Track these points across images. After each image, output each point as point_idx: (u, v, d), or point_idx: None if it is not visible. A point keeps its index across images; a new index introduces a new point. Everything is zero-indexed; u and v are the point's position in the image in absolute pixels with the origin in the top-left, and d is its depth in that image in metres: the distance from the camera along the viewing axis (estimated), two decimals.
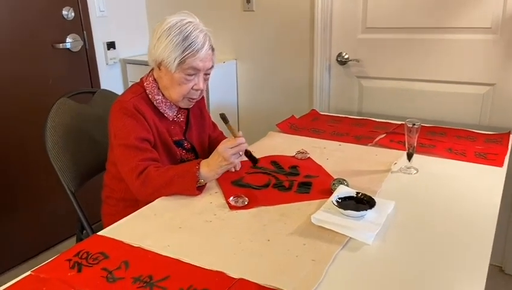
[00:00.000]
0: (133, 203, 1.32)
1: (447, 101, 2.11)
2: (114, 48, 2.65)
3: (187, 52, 1.28)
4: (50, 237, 2.43)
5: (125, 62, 2.72)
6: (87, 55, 2.48)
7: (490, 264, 0.94)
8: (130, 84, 2.74)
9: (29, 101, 2.22)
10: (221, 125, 1.68)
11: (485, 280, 0.88)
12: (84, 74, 2.49)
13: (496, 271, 2.14)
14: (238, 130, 1.33)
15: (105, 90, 1.78)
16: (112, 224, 1.12)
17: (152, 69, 1.40)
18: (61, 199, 2.22)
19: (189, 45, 1.28)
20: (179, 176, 1.23)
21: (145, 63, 2.63)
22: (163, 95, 1.38)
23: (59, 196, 2.27)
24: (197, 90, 1.36)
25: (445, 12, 2.00)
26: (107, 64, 2.64)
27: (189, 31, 1.29)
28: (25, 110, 2.21)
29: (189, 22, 1.31)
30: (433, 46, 2.07)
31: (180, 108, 1.44)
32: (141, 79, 1.42)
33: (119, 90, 2.73)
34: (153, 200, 1.24)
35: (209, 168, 1.25)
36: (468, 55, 2.00)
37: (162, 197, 1.24)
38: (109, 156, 1.44)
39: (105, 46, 2.60)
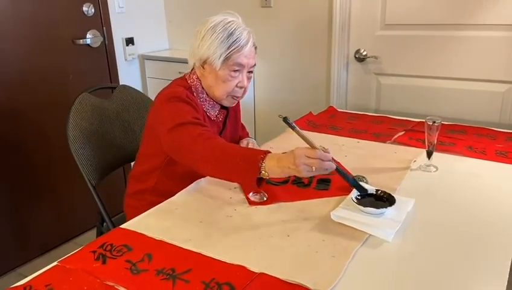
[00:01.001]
0: (158, 199, 1.32)
1: (467, 98, 2.09)
2: (133, 43, 2.68)
3: (232, 48, 1.29)
4: (69, 229, 2.48)
5: (144, 58, 2.75)
6: (106, 51, 2.52)
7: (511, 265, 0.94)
8: (148, 80, 2.78)
9: (51, 96, 2.26)
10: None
11: (506, 282, 0.88)
12: (103, 70, 2.53)
13: None
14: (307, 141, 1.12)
15: (126, 85, 1.81)
16: (135, 217, 1.14)
17: (192, 68, 1.41)
18: (81, 191, 2.27)
19: (234, 41, 1.29)
20: (240, 158, 1.12)
21: (163, 59, 2.69)
22: (206, 94, 1.39)
23: (79, 188, 2.32)
24: (241, 87, 1.37)
25: (466, 9, 1.97)
26: (125, 60, 2.67)
27: (234, 28, 1.31)
28: (46, 105, 2.25)
29: (232, 20, 1.34)
30: (453, 43, 2.04)
31: (221, 108, 1.45)
32: (184, 76, 1.43)
33: (137, 85, 2.77)
34: (206, 174, 1.22)
35: (277, 164, 1.09)
36: (488, 53, 1.98)
37: (183, 192, 1.26)
38: (142, 148, 1.45)
39: (124, 42, 2.64)
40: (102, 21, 2.45)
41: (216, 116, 1.44)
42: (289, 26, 2.43)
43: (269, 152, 1.13)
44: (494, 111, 2.04)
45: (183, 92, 1.32)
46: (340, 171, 1.12)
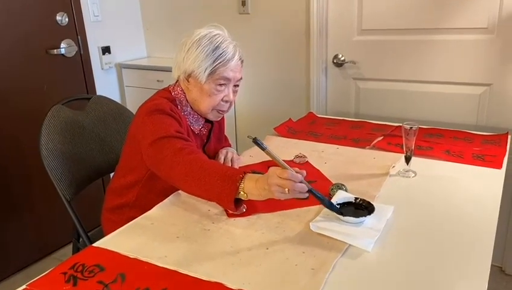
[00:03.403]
0: (140, 214, 1.29)
1: (444, 102, 2.10)
2: (109, 52, 2.64)
3: (218, 62, 1.27)
4: (46, 244, 2.41)
5: (121, 67, 2.71)
6: (82, 60, 2.47)
7: (491, 265, 0.94)
8: (126, 89, 2.74)
9: (24, 108, 2.21)
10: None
11: (487, 284, 0.87)
12: (79, 80, 2.48)
13: (497, 271, 2.13)
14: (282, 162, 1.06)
15: (101, 96, 1.77)
16: (112, 231, 1.11)
17: (177, 81, 1.38)
18: (58, 205, 2.20)
19: (220, 54, 1.27)
20: (219, 178, 1.09)
21: (141, 67, 2.65)
22: (191, 107, 1.37)
23: (56, 202, 2.26)
24: (227, 101, 1.35)
25: (441, 13, 1.99)
26: (102, 69, 2.62)
27: (220, 42, 1.29)
28: (20, 117, 2.19)
29: (218, 33, 1.31)
30: (429, 47, 2.06)
31: (205, 122, 1.42)
32: (168, 88, 1.40)
33: (115, 95, 2.72)
34: (185, 190, 1.18)
35: (255, 185, 1.05)
36: (464, 56, 2.00)
37: (159, 206, 1.23)
38: (122, 160, 1.41)
39: (101, 50, 2.59)
40: (76, 30, 2.41)
41: (200, 129, 1.42)
42: (267, 32, 2.42)
43: (249, 172, 1.09)
44: (471, 113, 2.06)
45: (166, 104, 1.29)
46: (314, 193, 1.06)
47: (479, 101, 2.03)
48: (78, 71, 2.47)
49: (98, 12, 2.54)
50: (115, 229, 1.12)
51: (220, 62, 1.28)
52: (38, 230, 2.35)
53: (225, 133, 1.65)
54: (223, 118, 1.55)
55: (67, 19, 2.34)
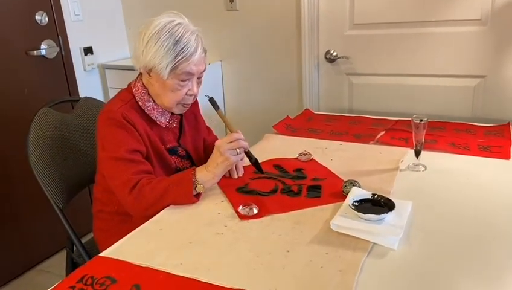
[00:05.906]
0: (127, 218, 1.24)
1: (439, 95, 2.09)
2: (91, 53, 2.52)
3: (180, 57, 1.19)
4: (33, 255, 2.28)
5: (104, 67, 2.60)
6: (63, 61, 2.36)
7: None
8: (110, 90, 2.63)
9: (5, 113, 2.08)
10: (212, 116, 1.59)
11: None
12: (61, 82, 2.36)
13: None
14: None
15: (89, 98, 1.67)
16: (104, 240, 1.04)
17: (140, 74, 1.30)
18: (43, 214, 2.10)
19: (182, 49, 1.19)
20: (173, 184, 1.16)
21: (125, 68, 2.55)
22: (154, 101, 1.29)
23: (41, 211, 2.15)
24: (191, 95, 1.28)
25: (434, 5, 1.98)
26: (84, 70, 2.51)
27: (180, 34, 1.19)
28: (1, 122, 2.06)
29: (178, 23, 1.22)
30: (423, 40, 2.04)
31: (172, 114, 1.35)
32: (129, 85, 1.33)
33: (98, 96, 2.60)
34: (149, 215, 1.14)
35: (207, 170, 1.20)
36: (458, 48, 1.99)
37: (165, 210, 1.15)
38: (98, 167, 1.34)
39: (82, 51, 2.48)
40: (57, 30, 2.29)
41: (168, 122, 1.35)
42: (257, 29, 2.36)
43: (196, 167, 1.21)
44: (466, 106, 2.05)
45: (118, 111, 1.21)
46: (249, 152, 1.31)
47: (474, 93, 2.03)
48: (60, 73, 2.35)
49: (79, 12, 2.43)
50: (107, 237, 1.06)
51: (182, 57, 1.19)
52: (22, 241, 2.22)
53: (207, 125, 1.58)
54: (197, 107, 1.48)
55: (47, 19, 2.23)
